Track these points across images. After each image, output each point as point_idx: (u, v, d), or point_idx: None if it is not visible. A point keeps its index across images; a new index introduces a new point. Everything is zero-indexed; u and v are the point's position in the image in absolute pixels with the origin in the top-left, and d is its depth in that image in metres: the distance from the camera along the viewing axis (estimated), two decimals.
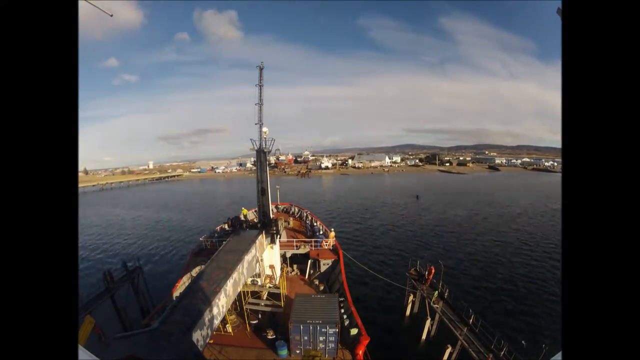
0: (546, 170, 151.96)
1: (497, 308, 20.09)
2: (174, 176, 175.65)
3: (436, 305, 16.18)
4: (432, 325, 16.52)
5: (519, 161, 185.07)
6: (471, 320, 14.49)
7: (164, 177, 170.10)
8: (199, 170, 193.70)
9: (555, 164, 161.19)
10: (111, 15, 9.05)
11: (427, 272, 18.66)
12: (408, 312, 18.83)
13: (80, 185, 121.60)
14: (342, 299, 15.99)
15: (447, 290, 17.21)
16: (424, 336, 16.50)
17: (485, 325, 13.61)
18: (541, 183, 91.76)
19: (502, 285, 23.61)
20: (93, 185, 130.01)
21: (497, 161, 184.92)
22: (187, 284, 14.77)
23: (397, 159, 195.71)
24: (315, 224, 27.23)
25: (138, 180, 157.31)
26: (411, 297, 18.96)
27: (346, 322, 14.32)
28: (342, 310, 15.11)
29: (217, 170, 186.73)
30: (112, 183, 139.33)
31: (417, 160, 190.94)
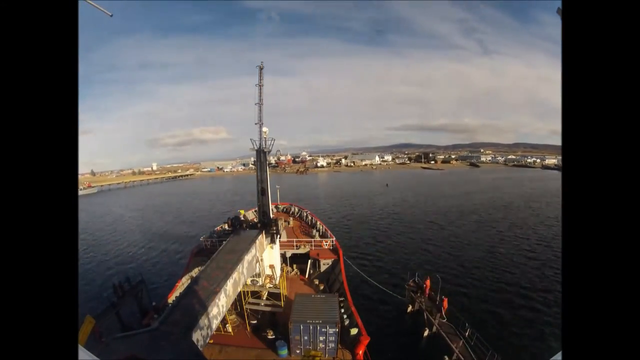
0: (525, 166, 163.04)
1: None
2: (187, 175, 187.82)
3: (434, 319, 16.61)
4: (430, 335, 16.95)
5: (503, 158, 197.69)
6: (467, 333, 15.09)
7: (178, 176, 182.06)
8: (209, 170, 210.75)
9: (538, 160, 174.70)
10: (111, 15, 9.01)
11: (424, 285, 19.29)
12: (407, 322, 19.26)
13: (105, 183, 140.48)
14: (342, 299, 16.01)
15: (438, 299, 17.65)
16: (422, 346, 16.87)
17: (479, 338, 14.48)
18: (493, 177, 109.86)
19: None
20: (118, 184, 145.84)
21: (483, 159, 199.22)
22: (186, 284, 14.75)
23: (388, 158, 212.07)
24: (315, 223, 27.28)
25: (157, 179, 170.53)
26: (410, 308, 19.50)
27: (346, 322, 14.34)
28: (342, 310, 15.13)
29: (225, 170, 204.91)
30: (133, 181, 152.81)
31: (405, 159, 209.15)
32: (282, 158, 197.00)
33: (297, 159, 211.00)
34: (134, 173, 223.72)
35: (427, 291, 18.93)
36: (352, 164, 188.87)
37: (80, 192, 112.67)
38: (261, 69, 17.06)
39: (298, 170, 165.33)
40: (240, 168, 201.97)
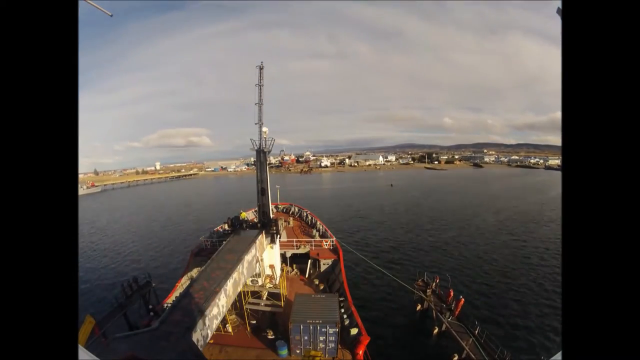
0: (529, 166, 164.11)
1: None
2: (191, 175, 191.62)
3: (444, 318, 16.73)
4: (439, 333, 17.06)
5: (506, 159, 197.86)
6: (476, 331, 15.21)
7: (182, 176, 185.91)
8: (212, 169, 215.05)
9: (541, 161, 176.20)
10: (111, 15, 9.03)
11: (434, 284, 19.48)
12: (416, 320, 19.41)
13: (108, 182, 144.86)
14: (342, 299, 16.00)
15: (453, 303, 17.76)
16: (431, 344, 16.98)
17: (490, 336, 14.69)
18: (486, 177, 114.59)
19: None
20: (121, 183, 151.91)
21: (487, 159, 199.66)
22: (186, 284, 14.76)
23: (392, 158, 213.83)
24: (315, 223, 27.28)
25: (160, 178, 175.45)
26: (419, 306, 19.58)
27: (346, 322, 14.32)
28: (342, 310, 15.12)
29: (229, 169, 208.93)
30: (137, 181, 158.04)
31: (409, 159, 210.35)
32: (286, 158, 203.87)
33: (300, 159, 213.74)
34: (137, 172, 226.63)
35: (431, 289, 19.01)
36: (355, 164, 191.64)
37: (83, 192, 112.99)
38: (261, 69, 17.05)
39: (302, 170, 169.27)
40: (244, 167, 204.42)
